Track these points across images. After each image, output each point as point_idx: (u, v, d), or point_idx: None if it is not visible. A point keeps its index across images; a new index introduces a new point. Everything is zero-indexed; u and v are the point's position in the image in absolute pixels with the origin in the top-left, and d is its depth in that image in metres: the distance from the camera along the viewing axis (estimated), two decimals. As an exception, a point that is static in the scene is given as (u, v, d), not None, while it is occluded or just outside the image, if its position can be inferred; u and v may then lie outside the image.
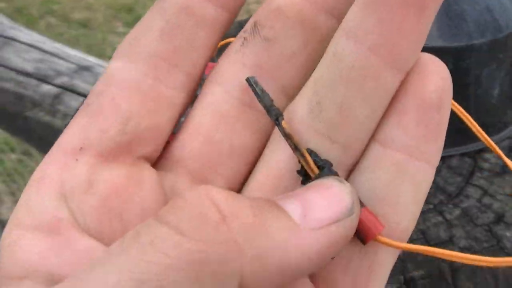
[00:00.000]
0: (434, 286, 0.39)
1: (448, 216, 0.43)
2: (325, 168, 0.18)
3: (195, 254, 0.14)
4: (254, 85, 0.18)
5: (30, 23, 2.00)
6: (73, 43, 1.86)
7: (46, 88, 0.91)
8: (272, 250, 0.15)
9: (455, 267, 0.39)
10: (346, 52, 0.17)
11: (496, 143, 0.49)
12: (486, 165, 0.47)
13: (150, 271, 0.14)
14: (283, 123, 0.18)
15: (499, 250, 0.41)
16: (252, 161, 0.19)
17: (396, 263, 0.40)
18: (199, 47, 0.19)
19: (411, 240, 0.40)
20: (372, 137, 0.18)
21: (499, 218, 0.43)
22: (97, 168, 0.18)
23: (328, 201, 0.16)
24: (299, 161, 0.18)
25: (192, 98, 0.20)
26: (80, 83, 0.91)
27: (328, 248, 0.16)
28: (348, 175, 0.18)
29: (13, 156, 1.37)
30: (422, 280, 0.38)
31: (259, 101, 0.18)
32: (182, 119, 0.20)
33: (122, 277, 0.14)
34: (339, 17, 0.18)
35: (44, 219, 0.17)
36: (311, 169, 0.18)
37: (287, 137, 0.18)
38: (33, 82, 0.92)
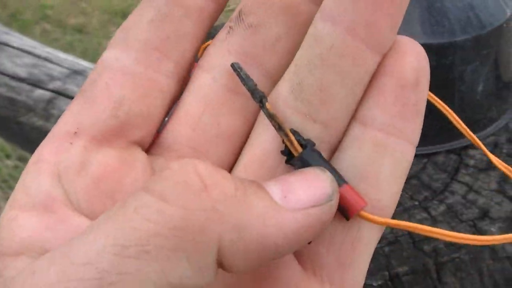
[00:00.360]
0: (418, 282, 0.39)
1: (433, 212, 0.43)
2: (307, 147, 0.18)
3: (176, 220, 0.15)
4: (239, 70, 0.19)
5: (25, 29, 2.01)
6: (68, 48, 1.86)
7: (39, 93, 0.92)
8: (251, 223, 0.16)
9: (439, 263, 0.40)
10: (324, 34, 0.18)
11: (481, 139, 0.50)
12: (471, 162, 0.47)
13: (133, 236, 0.14)
14: (267, 104, 0.18)
15: (483, 245, 0.41)
16: (240, 145, 0.20)
17: (380, 259, 0.40)
18: (187, 36, 0.20)
19: (396, 236, 0.40)
20: (353, 117, 0.19)
21: (484, 214, 0.43)
22: (90, 151, 0.19)
23: (309, 185, 0.17)
24: (283, 141, 0.18)
25: (182, 86, 0.20)
26: (73, 88, 0.91)
27: (306, 229, 0.16)
28: (331, 154, 0.19)
29: (9, 163, 1.37)
30: (407, 276, 0.38)
31: (244, 84, 0.19)
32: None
33: (107, 243, 0.14)
34: (320, 3, 0.18)
35: (39, 198, 0.18)
36: (294, 149, 0.18)
37: (271, 117, 0.18)
38: (26, 87, 0.93)
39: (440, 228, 0.42)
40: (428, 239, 0.41)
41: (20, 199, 0.18)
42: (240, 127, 0.20)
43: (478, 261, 0.40)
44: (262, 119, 0.19)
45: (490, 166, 0.47)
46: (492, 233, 0.42)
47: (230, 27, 0.20)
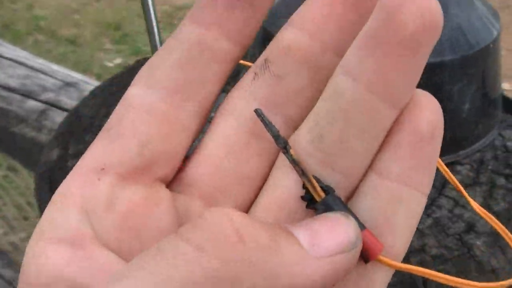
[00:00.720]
0: (406, 293, 0.40)
1: (420, 226, 0.44)
2: (329, 194, 0.19)
3: (213, 270, 0.15)
4: (262, 116, 0.20)
5: (18, 40, 2.01)
6: (61, 59, 1.86)
7: (31, 103, 0.92)
8: (283, 272, 0.16)
9: (426, 275, 0.41)
10: (345, 89, 0.18)
11: (468, 156, 0.51)
12: (457, 177, 0.48)
13: (172, 283, 0.15)
14: (291, 150, 0.19)
15: (469, 258, 0.42)
16: (258, 187, 0.20)
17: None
18: (211, 78, 0.20)
19: (384, 249, 0.41)
20: (370, 167, 0.19)
21: (470, 228, 0.44)
22: (117, 188, 0.19)
23: (334, 232, 0.18)
24: (304, 187, 0.19)
25: (203, 125, 0.21)
26: (65, 99, 0.91)
27: (331, 276, 0.17)
28: (347, 201, 0.20)
29: (-1, 172, 1.37)
30: (394, 287, 0.39)
31: (268, 130, 0.19)
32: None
33: None
34: (342, 56, 0.19)
35: (67, 233, 0.18)
36: (317, 194, 0.19)
37: (295, 163, 0.19)
38: (18, 97, 0.93)
39: (427, 241, 0.43)
40: (415, 251, 0.42)
41: (48, 232, 0.19)
42: (260, 170, 0.20)
43: (464, 273, 0.41)
44: (281, 164, 0.20)
45: (476, 181, 0.48)
46: (477, 246, 0.43)
47: (255, 73, 0.20)
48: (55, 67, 1.03)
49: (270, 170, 0.20)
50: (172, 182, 0.21)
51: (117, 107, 0.20)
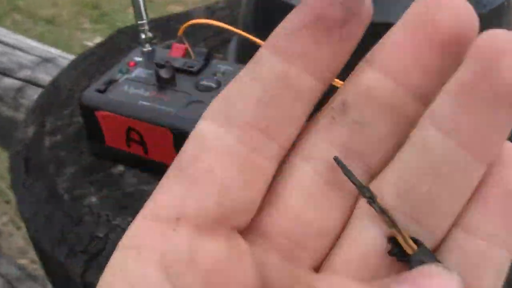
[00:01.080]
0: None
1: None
2: (422, 245, 0.18)
3: None
4: (343, 165, 0.18)
5: (-6, 20, 1.96)
6: (39, 39, 1.82)
7: (8, 81, 0.88)
8: None
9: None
10: (435, 144, 0.17)
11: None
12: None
13: None
14: (378, 200, 0.18)
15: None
16: (335, 239, 0.19)
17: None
18: (295, 119, 0.18)
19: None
20: (455, 222, 0.18)
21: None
22: (195, 240, 0.17)
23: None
24: (389, 241, 0.18)
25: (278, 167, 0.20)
26: (43, 76, 0.87)
27: None
28: None
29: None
30: None
31: (350, 180, 0.18)
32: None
33: None
34: (426, 103, 0.18)
35: None
36: (408, 246, 0.18)
37: (384, 213, 0.18)
38: (-6, 75, 0.88)
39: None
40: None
41: None
42: (338, 221, 0.19)
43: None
44: (362, 215, 0.19)
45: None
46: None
47: (333, 117, 0.19)
48: (33, 43, 0.98)
49: (346, 222, 0.19)
50: (245, 231, 0.19)
51: (189, 143, 0.18)
